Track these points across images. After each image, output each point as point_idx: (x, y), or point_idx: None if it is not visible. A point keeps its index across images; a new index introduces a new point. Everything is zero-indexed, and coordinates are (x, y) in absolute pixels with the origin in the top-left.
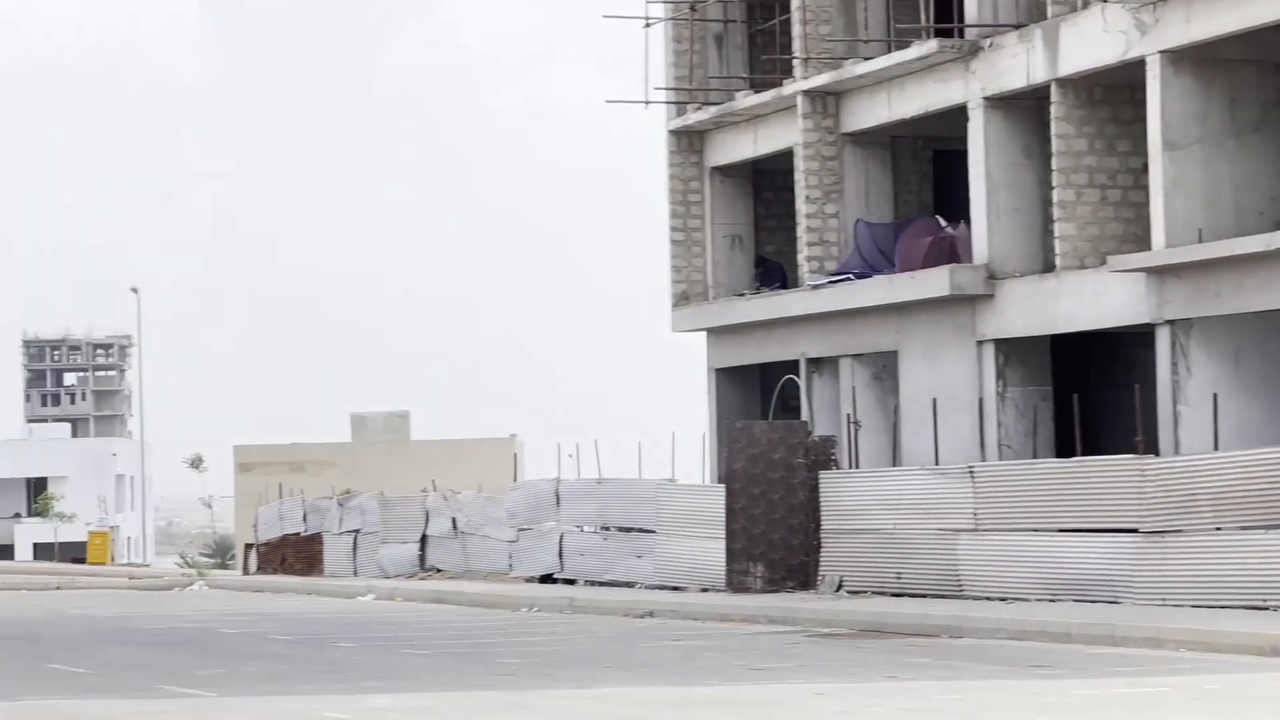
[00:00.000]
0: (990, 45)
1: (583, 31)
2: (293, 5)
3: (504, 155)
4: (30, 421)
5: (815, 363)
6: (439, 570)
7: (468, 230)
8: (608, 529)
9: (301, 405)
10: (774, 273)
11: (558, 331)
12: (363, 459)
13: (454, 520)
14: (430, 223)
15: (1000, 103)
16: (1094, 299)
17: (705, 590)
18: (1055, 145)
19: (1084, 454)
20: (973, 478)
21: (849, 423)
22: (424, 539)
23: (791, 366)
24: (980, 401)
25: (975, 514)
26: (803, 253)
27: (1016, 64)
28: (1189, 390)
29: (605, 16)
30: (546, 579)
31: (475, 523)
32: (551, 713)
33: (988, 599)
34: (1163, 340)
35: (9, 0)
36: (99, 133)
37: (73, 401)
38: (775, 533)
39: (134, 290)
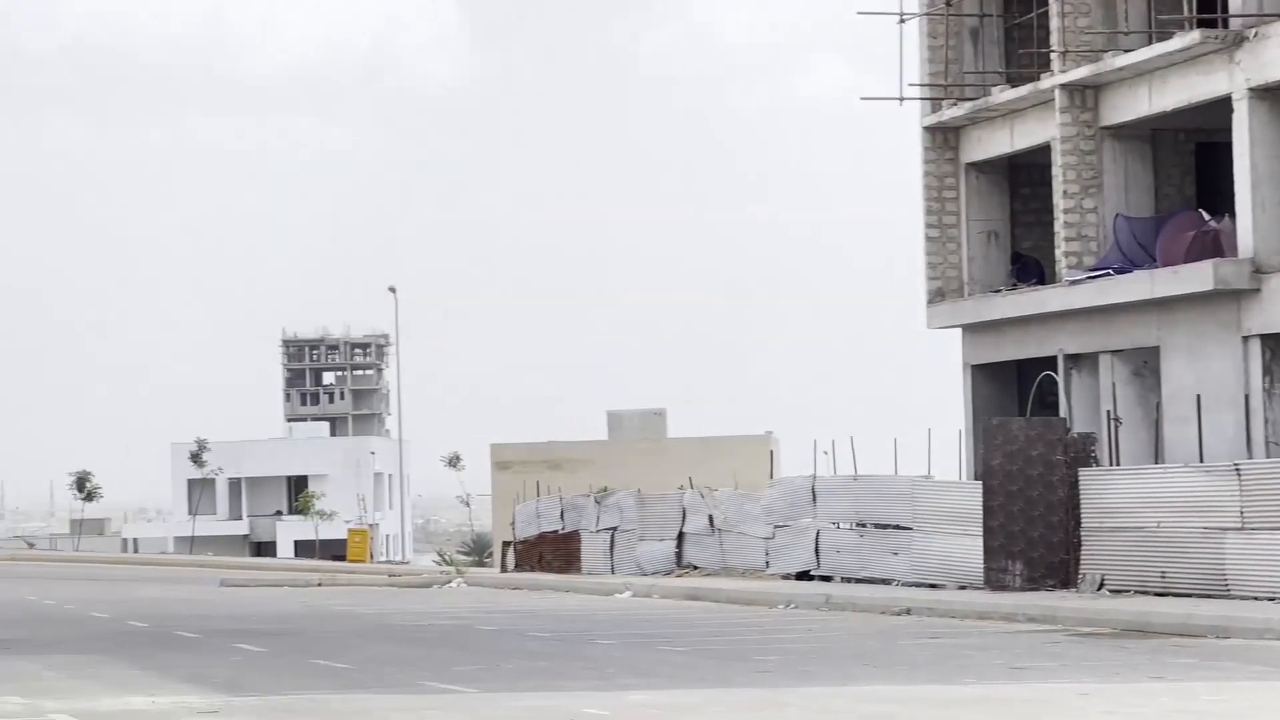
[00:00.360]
0: (1256, 35)
1: (836, 28)
2: (547, 6)
3: (758, 153)
4: (290, 420)
5: (1073, 359)
6: (695, 567)
7: (722, 227)
8: (864, 525)
9: (558, 403)
10: (1030, 269)
11: (812, 328)
12: (619, 457)
13: (710, 517)
14: (685, 220)
15: (1266, 93)
16: None
17: (962, 588)
18: None
19: None
20: (1239, 475)
21: (1109, 419)
22: (680, 536)
23: (1048, 363)
24: (1246, 398)
25: (1242, 512)
26: (1060, 248)
27: None
28: None
29: (860, 13)
30: (803, 576)
31: (732, 520)
32: (811, 710)
33: (1255, 599)
34: None
35: (270, 7)
36: (357, 135)
37: (331, 400)
38: (1034, 530)
39: (391, 290)
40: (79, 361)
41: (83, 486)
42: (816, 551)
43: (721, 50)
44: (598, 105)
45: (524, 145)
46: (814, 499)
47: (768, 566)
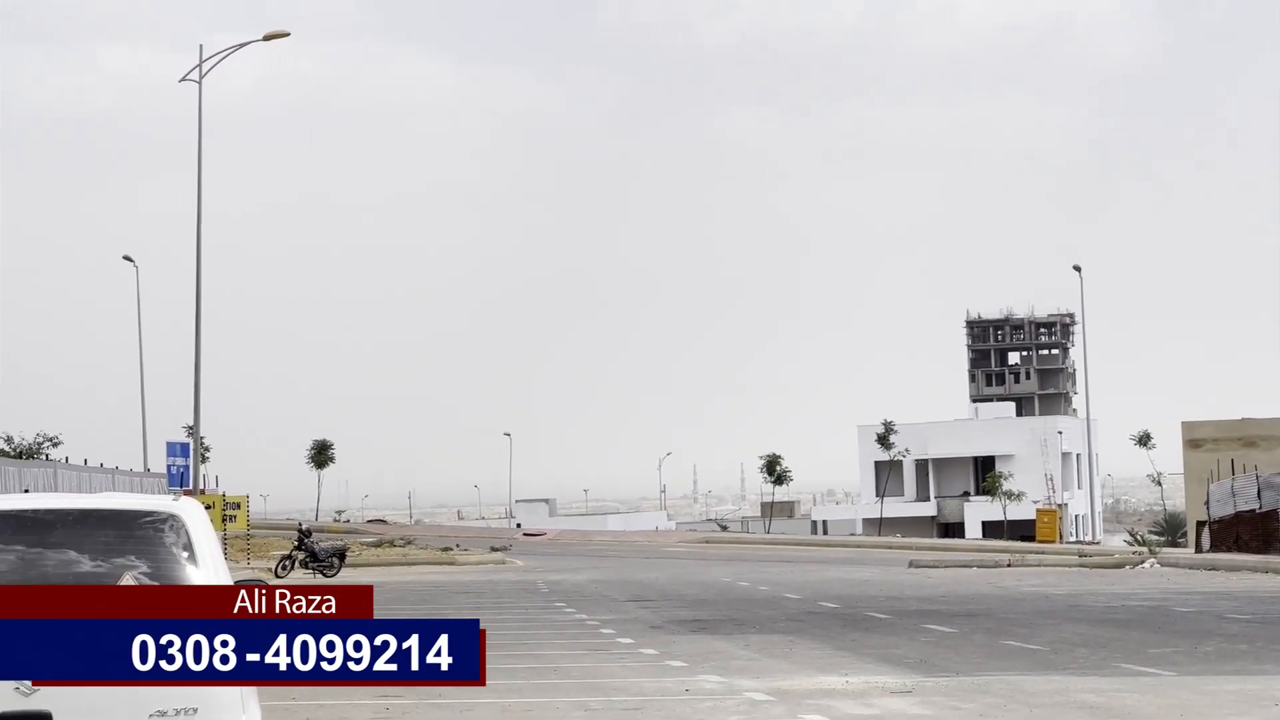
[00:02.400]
0: None
1: None
2: None
3: None
4: (975, 401)
5: None
6: None
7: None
8: None
9: (1251, 380)
10: None
11: None
12: None
13: None
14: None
15: None
16: None
17: None
18: None
19: None
20: None
21: None
22: None
23: None
24: None
25: None
26: None
27: None
28: None
29: None
30: None
31: None
32: None
33: None
34: None
35: None
36: (1040, 110)
37: (1016, 381)
38: None
39: (1076, 268)
40: (767, 348)
41: (773, 469)
42: None
43: None
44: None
45: (1206, 116)
46: None
47: None
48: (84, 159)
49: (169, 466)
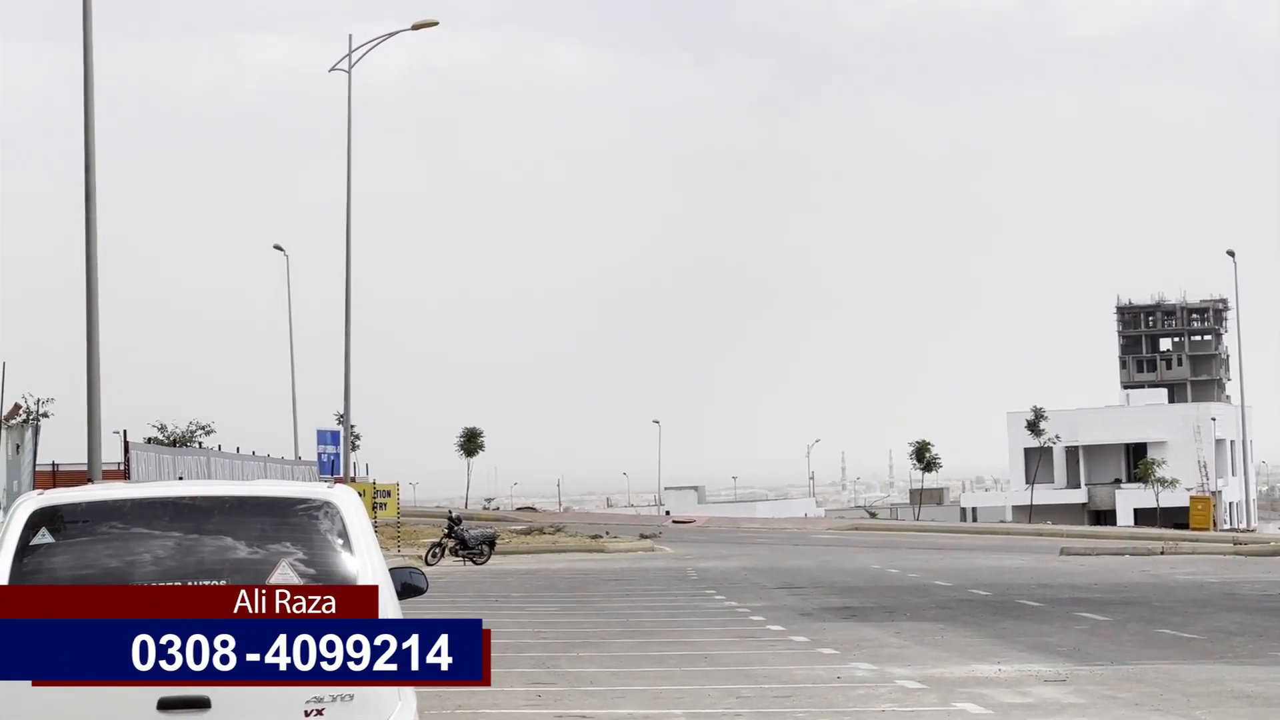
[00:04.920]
0: None
1: None
2: None
3: None
4: (1127, 388)
5: None
6: None
7: None
8: None
9: None
10: None
11: None
12: None
13: None
14: None
15: None
16: None
17: None
18: None
19: None
20: None
21: None
22: None
23: None
24: None
25: None
26: None
27: None
28: None
29: None
30: None
31: None
32: None
33: None
34: None
35: None
36: (1188, 97)
37: (1169, 367)
38: None
39: (1230, 253)
40: (918, 333)
41: (922, 456)
42: None
43: None
44: None
45: None
46: None
47: None
48: (236, 149)
49: (319, 454)
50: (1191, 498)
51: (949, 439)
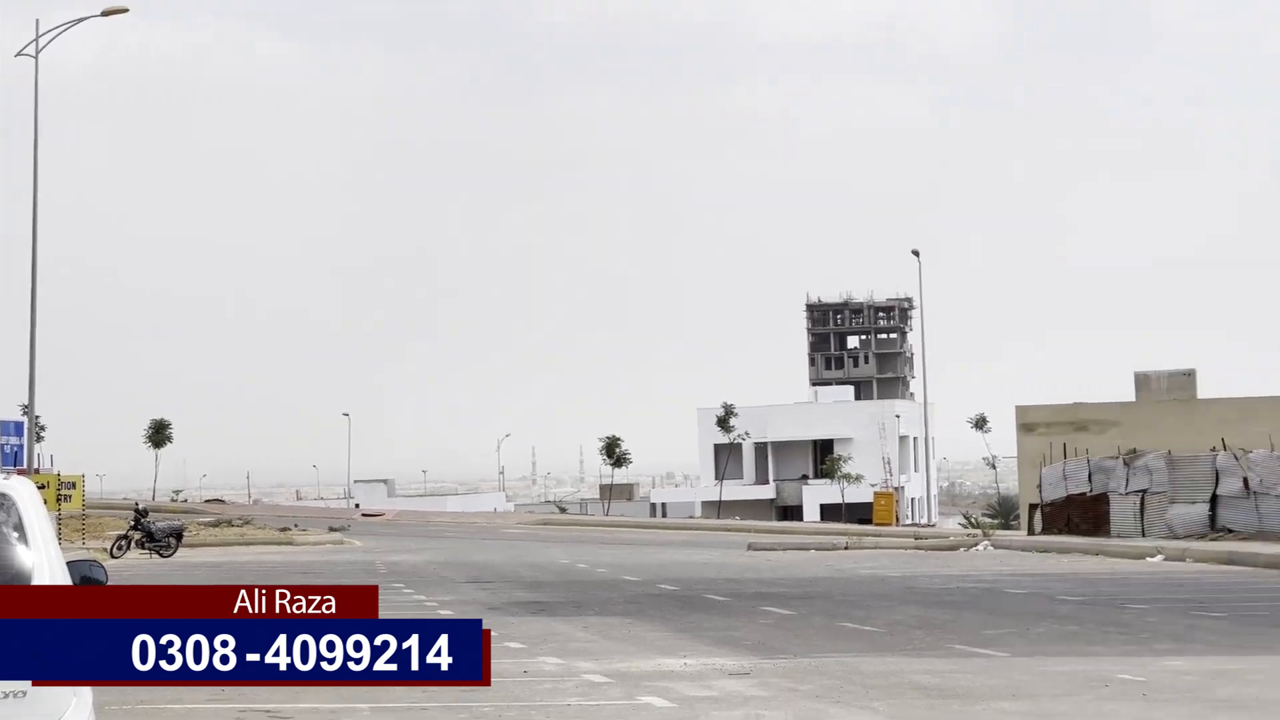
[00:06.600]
0: None
1: None
2: None
3: None
4: (815, 385)
5: None
6: (1230, 531)
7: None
8: None
9: (1082, 365)
10: None
11: None
12: (1146, 418)
13: (1245, 480)
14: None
15: None
16: None
17: None
18: None
19: None
20: None
21: None
22: (1214, 499)
23: None
24: None
25: None
26: None
27: None
28: None
29: None
30: None
31: (1269, 482)
32: None
33: None
34: None
35: None
36: (891, 99)
37: (856, 364)
38: None
39: (915, 253)
40: (610, 327)
41: (612, 451)
42: None
43: None
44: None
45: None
46: None
47: None
48: None
49: (1, 445)
50: (875, 493)
51: (640, 435)
